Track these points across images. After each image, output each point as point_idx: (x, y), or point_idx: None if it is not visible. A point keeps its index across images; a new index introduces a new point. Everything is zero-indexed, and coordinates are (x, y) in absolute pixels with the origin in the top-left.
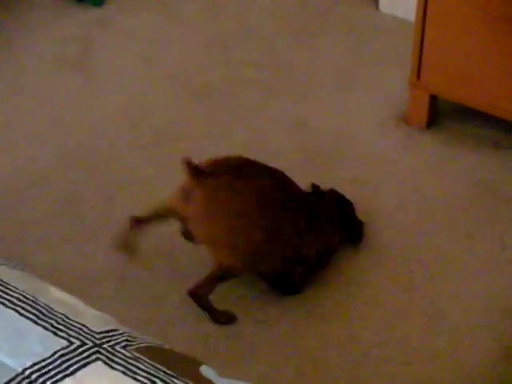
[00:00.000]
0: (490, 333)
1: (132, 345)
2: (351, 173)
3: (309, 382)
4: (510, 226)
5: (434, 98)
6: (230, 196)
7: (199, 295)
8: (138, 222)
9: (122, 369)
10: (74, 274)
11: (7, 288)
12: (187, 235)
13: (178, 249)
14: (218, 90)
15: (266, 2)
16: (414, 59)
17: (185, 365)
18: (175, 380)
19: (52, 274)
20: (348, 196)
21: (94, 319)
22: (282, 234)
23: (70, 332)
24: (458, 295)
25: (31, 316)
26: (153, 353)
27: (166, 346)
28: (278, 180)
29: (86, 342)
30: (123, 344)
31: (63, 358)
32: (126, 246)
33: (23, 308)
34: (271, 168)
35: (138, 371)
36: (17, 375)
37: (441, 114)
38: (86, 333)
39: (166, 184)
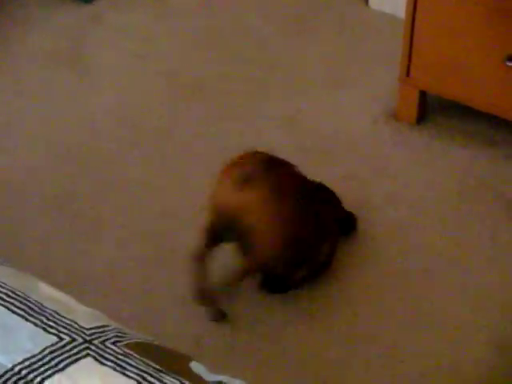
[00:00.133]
0: (482, 329)
1: (122, 341)
2: (342, 169)
3: (300, 378)
4: (501, 221)
5: (423, 94)
6: (289, 201)
7: (207, 299)
8: (202, 258)
9: (112, 365)
10: (66, 271)
11: None
12: (203, 299)
13: (169, 243)
14: (211, 87)
15: None
16: (403, 55)
17: (175, 361)
18: (165, 376)
19: (43, 271)
20: (339, 192)
21: (85, 315)
22: (311, 236)
23: (61, 328)
24: (450, 290)
25: (21, 312)
26: (143, 349)
27: (156, 342)
28: (304, 180)
29: (76, 338)
30: (113, 340)
31: (53, 354)
32: (205, 297)
33: (13, 304)
34: (291, 165)
35: (128, 367)
36: (6, 371)
37: (431, 110)
38: (77, 329)
39: (159, 181)
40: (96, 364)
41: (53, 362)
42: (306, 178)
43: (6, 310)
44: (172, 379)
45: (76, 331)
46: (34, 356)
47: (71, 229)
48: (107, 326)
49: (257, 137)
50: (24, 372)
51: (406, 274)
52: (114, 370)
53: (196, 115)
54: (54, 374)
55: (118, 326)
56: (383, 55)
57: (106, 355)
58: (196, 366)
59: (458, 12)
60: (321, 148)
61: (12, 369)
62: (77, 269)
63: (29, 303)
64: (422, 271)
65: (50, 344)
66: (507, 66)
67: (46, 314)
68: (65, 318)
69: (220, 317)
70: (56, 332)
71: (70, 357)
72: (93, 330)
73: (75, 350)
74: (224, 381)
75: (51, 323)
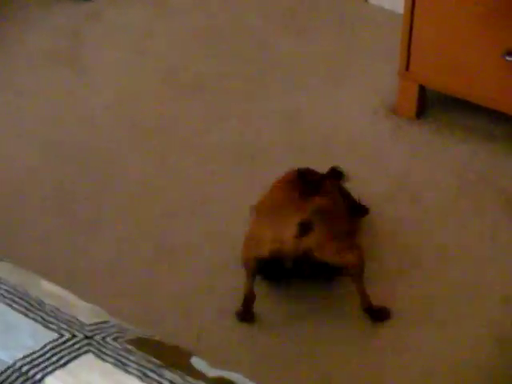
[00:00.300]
0: (482, 324)
1: (123, 337)
2: (341, 163)
3: (300, 373)
4: (501, 215)
5: (423, 89)
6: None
7: None
8: (252, 294)
9: (113, 361)
10: (66, 271)
11: None
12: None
13: (169, 242)
14: (209, 83)
15: None
16: (402, 50)
17: (176, 356)
18: (166, 371)
19: (43, 267)
20: None
21: (85, 311)
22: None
23: (61, 324)
24: (449, 285)
25: (22, 309)
26: (143, 344)
27: (157, 338)
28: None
29: (77, 334)
30: (114, 336)
31: (54, 351)
32: (251, 317)
33: (13, 300)
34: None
35: (129, 363)
36: (8, 368)
37: (430, 105)
38: (77, 325)
39: (158, 178)
40: (97, 360)
41: (54, 358)
42: (347, 192)
43: (7, 306)
44: (173, 375)
45: (77, 327)
46: (34, 352)
47: (71, 228)
48: (108, 321)
49: (257, 135)
50: (25, 368)
51: (405, 267)
52: (115, 365)
53: (196, 113)
54: (54, 370)
55: (118, 322)
56: (382, 51)
57: (107, 351)
58: (197, 362)
59: (457, 6)
60: (320, 142)
61: (13, 365)
62: (77, 268)
63: (29, 299)
64: (421, 265)
65: (50, 340)
66: (507, 60)
67: (47, 310)
68: (65, 314)
69: (250, 318)
70: (56, 328)
71: (70, 353)
72: (93, 326)
73: (76, 346)
74: (225, 376)
75: (52, 319)
